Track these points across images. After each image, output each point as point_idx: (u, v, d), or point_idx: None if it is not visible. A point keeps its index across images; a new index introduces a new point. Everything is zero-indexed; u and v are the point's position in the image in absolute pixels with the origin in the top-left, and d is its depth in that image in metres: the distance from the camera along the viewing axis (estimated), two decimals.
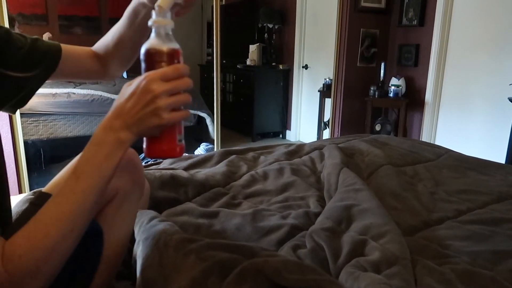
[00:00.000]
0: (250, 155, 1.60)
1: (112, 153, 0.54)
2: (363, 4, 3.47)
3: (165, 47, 0.56)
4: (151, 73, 0.54)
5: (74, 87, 3.77)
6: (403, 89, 3.47)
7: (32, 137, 3.37)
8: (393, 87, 3.43)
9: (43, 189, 0.73)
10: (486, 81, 2.97)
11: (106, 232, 0.68)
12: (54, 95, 3.61)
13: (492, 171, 1.54)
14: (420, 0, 3.32)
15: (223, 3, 5.79)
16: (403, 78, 3.48)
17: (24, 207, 0.72)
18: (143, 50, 0.56)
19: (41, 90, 3.05)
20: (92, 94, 3.64)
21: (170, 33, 0.57)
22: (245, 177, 1.35)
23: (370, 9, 3.53)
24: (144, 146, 0.59)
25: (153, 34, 0.56)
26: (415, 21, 3.39)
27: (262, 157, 1.58)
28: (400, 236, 0.90)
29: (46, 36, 4.10)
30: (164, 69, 0.55)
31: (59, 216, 0.51)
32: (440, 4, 3.19)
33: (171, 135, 0.59)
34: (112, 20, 5.85)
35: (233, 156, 1.53)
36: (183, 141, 0.61)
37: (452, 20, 3.20)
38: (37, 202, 0.65)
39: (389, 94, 3.47)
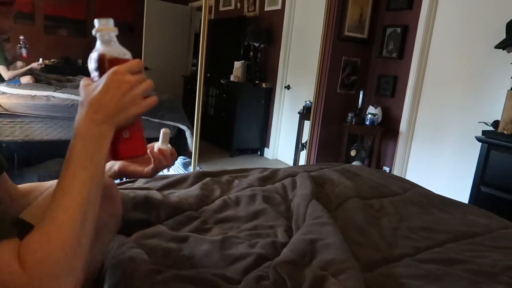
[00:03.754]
0: (225, 178, 1.64)
1: (100, 144, 0.57)
2: (346, 33, 3.60)
3: (119, 52, 0.62)
4: (119, 67, 0.59)
5: (55, 91, 3.73)
6: (379, 117, 3.59)
7: (7, 138, 3.31)
8: (369, 115, 3.55)
9: (22, 215, 0.73)
10: (457, 117, 3.11)
11: None
12: (33, 97, 3.57)
13: (453, 209, 1.62)
14: (400, 34, 3.46)
15: (212, 17, 5.88)
16: (380, 107, 3.61)
17: None
18: (96, 57, 0.60)
19: (20, 91, 3.02)
20: (73, 99, 3.60)
21: (115, 39, 0.62)
22: (218, 202, 1.38)
23: (353, 39, 3.65)
24: (115, 149, 0.62)
25: (100, 42, 0.61)
26: (395, 53, 3.53)
27: (236, 181, 1.62)
28: (358, 273, 0.95)
29: (19, 64, 4.08)
30: (130, 63, 0.61)
31: (67, 209, 0.52)
32: (418, 40, 3.34)
33: (140, 133, 0.64)
34: None
35: (208, 179, 1.57)
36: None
37: (429, 56, 3.36)
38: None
39: (365, 122, 3.58)
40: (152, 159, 1.00)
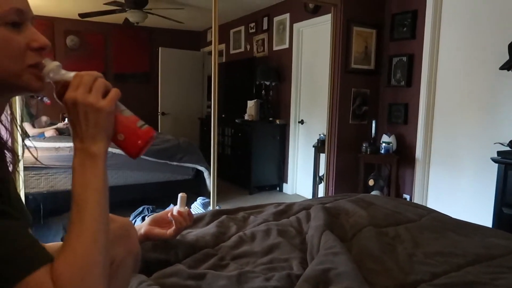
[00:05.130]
0: (240, 215, 1.68)
1: (95, 168, 0.62)
2: (353, 66, 3.69)
3: (67, 77, 0.65)
4: (66, 94, 0.63)
5: None
6: (394, 145, 3.60)
7: (33, 190, 3.45)
8: (384, 144, 3.56)
9: None
10: (473, 140, 3.10)
11: None
12: (57, 149, 3.74)
13: (471, 232, 1.61)
14: (406, 63, 3.54)
15: (224, 60, 6.11)
16: (393, 135, 3.62)
17: None
18: (55, 95, 0.66)
19: (45, 145, 3.19)
20: None
21: (61, 70, 0.66)
22: (234, 238, 1.42)
23: (360, 70, 3.74)
24: (126, 153, 0.67)
25: (53, 81, 0.65)
26: (403, 82, 3.59)
27: (251, 217, 1.66)
28: None
29: (44, 119, 4.33)
30: (71, 84, 0.63)
31: (78, 234, 0.58)
32: (425, 67, 3.40)
33: (131, 126, 0.67)
34: (117, 76, 6.14)
35: (224, 217, 1.61)
36: (146, 124, 0.69)
37: (437, 82, 3.40)
38: None
39: (380, 151, 3.59)
40: (173, 222, 1.15)
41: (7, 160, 0.72)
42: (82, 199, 0.60)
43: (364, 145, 3.68)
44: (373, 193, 3.52)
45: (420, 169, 3.51)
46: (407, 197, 3.64)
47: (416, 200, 3.50)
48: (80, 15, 4.88)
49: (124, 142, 0.67)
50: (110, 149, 0.66)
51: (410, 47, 3.53)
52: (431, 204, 3.38)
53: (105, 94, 0.64)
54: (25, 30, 0.63)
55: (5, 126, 0.74)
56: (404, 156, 3.62)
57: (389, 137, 3.61)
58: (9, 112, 0.75)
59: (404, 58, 3.55)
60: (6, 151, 0.73)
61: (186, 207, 1.13)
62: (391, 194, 3.67)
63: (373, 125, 3.71)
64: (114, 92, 0.65)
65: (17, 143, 0.82)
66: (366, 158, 3.62)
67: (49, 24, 5.60)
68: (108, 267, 0.62)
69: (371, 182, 3.69)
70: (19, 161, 0.74)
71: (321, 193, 4.10)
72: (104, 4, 4.44)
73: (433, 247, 1.43)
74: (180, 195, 1.16)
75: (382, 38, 3.78)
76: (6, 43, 0.60)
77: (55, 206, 3.41)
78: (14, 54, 0.61)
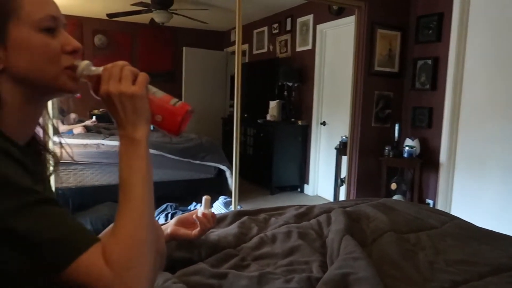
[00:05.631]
0: (262, 216, 1.71)
1: (138, 153, 0.66)
2: (376, 68, 3.66)
3: (100, 69, 0.69)
4: (100, 90, 0.67)
5: (104, 139, 4.03)
6: (417, 149, 3.56)
7: (62, 185, 3.57)
8: (407, 148, 3.53)
9: None
10: (499, 145, 3.03)
11: None
12: (85, 145, 3.87)
13: (495, 241, 1.59)
14: (431, 66, 3.49)
15: (247, 60, 6.15)
16: (417, 139, 3.58)
17: None
18: (91, 91, 0.69)
19: (73, 141, 3.30)
20: None
21: (92, 67, 0.69)
22: (255, 239, 1.45)
23: (384, 73, 3.71)
24: (167, 132, 0.71)
25: (85, 73, 0.69)
26: (428, 85, 3.54)
27: (272, 219, 1.69)
28: None
29: (72, 116, 4.44)
30: (102, 77, 0.67)
31: (125, 214, 0.63)
32: (451, 70, 3.34)
33: (165, 106, 0.70)
34: None
35: (245, 218, 1.64)
36: (179, 101, 0.72)
37: (463, 85, 3.34)
38: None
39: (403, 154, 3.55)
40: (198, 223, 1.21)
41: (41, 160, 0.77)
42: (128, 182, 0.65)
43: (386, 148, 3.65)
44: (395, 197, 3.49)
45: (444, 174, 3.46)
46: (431, 202, 3.59)
47: (440, 205, 3.45)
48: (108, 15, 5.01)
49: (163, 122, 0.70)
50: None
51: (436, 50, 3.48)
52: (455, 210, 3.32)
53: (134, 80, 0.68)
54: (58, 35, 0.67)
55: (41, 127, 0.79)
56: (428, 160, 3.57)
57: (413, 141, 3.57)
58: (46, 116, 0.80)
59: (429, 61, 3.51)
60: (43, 152, 0.78)
61: (210, 209, 1.17)
62: (414, 198, 3.63)
63: (396, 128, 3.68)
64: (142, 76, 0.69)
65: (49, 137, 0.87)
66: (389, 161, 3.60)
67: (78, 23, 5.78)
68: (154, 245, 0.66)
69: (393, 186, 3.66)
70: (58, 162, 0.79)
71: (342, 195, 4.09)
72: (131, 4, 4.55)
73: (455, 255, 1.42)
74: (204, 197, 1.21)
75: (407, 40, 3.73)
76: (44, 47, 0.65)
77: (82, 201, 3.52)
78: (51, 58, 0.66)
